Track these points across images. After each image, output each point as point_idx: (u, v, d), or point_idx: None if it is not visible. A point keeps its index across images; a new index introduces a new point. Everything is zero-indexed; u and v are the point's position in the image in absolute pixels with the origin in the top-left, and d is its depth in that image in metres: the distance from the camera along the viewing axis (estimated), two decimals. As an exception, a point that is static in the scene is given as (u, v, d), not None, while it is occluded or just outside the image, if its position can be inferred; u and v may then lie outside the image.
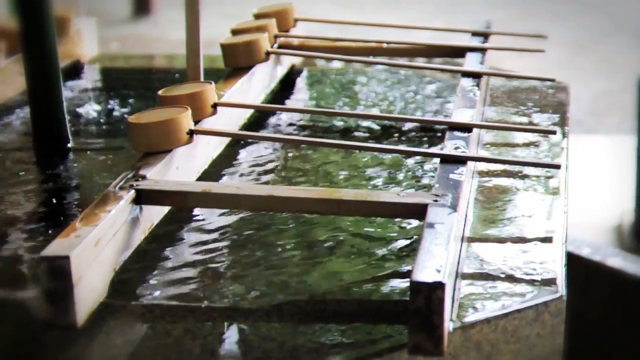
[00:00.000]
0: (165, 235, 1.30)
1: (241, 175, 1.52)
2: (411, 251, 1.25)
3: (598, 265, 2.17)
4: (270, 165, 1.56)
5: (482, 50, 1.86)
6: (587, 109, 4.46)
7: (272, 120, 1.76)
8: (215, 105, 1.49)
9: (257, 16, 1.93)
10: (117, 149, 1.64)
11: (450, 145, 1.39)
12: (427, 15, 6.33)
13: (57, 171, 1.56)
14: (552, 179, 1.48)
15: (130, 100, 1.90)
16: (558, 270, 1.22)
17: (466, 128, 1.46)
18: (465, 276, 1.20)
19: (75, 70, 2.06)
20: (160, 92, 1.48)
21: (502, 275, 1.21)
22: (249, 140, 1.64)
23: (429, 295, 1.00)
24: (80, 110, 1.84)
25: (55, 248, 1.07)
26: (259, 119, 1.75)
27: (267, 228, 1.33)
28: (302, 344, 1.07)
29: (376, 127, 1.70)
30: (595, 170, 3.52)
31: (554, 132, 1.57)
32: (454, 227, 1.13)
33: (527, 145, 1.61)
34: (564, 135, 1.65)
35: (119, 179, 1.26)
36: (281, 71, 1.94)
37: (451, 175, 1.28)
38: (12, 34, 1.74)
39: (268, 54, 1.75)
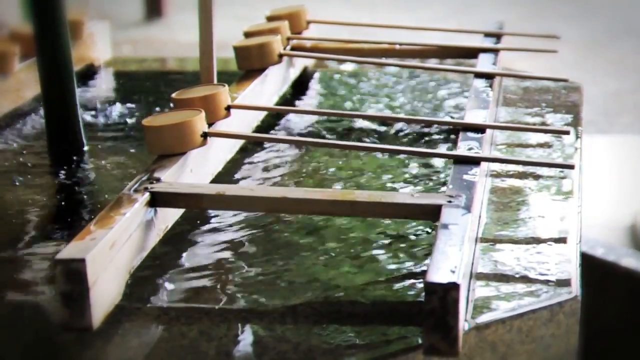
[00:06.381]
0: (179, 237, 1.30)
1: (255, 177, 1.53)
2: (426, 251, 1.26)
3: (612, 266, 2.16)
4: (284, 167, 1.57)
5: (495, 51, 1.86)
6: (599, 110, 4.45)
7: (286, 122, 1.76)
8: (228, 108, 1.50)
9: (270, 18, 1.93)
10: (132, 152, 1.64)
11: (464, 146, 1.39)
12: (439, 16, 6.32)
13: (71, 174, 1.56)
14: (565, 179, 1.48)
15: (144, 103, 1.90)
16: (573, 270, 1.22)
17: (479, 129, 1.46)
18: (479, 277, 1.20)
19: (88, 74, 2.06)
20: (173, 95, 1.49)
21: (517, 276, 1.21)
22: (263, 142, 1.65)
23: (444, 296, 1.00)
24: (94, 113, 1.85)
25: (70, 251, 1.07)
26: (272, 121, 1.75)
27: (281, 230, 1.34)
28: (317, 345, 1.08)
29: (389, 128, 1.70)
30: (608, 170, 3.51)
31: (567, 133, 1.57)
32: (468, 228, 1.13)
33: (540, 145, 1.61)
34: (577, 135, 1.65)
35: (134, 182, 1.26)
36: (294, 73, 1.94)
37: (465, 176, 1.28)
38: (26, 38, 1.75)
39: (281, 56, 1.76)
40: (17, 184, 1.52)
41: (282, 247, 1.29)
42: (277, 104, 1.81)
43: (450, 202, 1.19)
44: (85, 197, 1.50)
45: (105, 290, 1.10)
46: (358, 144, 1.60)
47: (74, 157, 1.61)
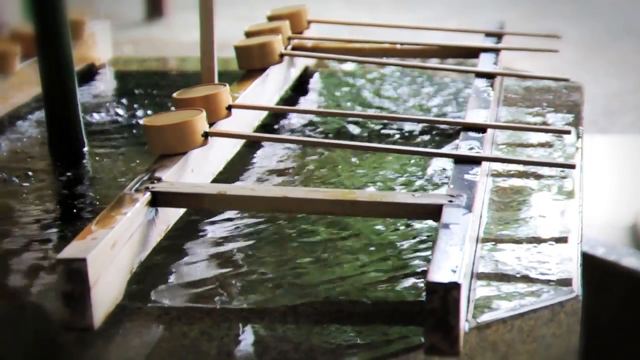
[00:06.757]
0: (180, 237, 1.30)
1: (256, 176, 1.53)
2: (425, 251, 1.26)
3: (613, 265, 2.16)
4: (284, 167, 1.57)
5: (496, 51, 1.86)
6: (600, 109, 4.45)
7: (286, 121, 1.76)
8: (229, 108, 1.50)
9: (271, 18, 1.93)
10: (133, 152, 1.64)
11: (465, 146, 1.39)
12: (439, 16, 6.32)
13: (72, 174, 1.56)
14: (566, 179, 1.48)
15: (145, 103, 1.90)
16: (574, 270, 1.22)
17: (480, 128, 1.46)
18: (480, 276, 1.20)
19: (89, 74, 2.07)
20: (175, 95, 1.49)
21: (518, 276, 1.21)
22: (264, 142, 1.65)
23: (445, 296, 1.00)
24: (95, 113, 1.85)
25: (71, 250, 1.08)
26: (273, 121, 1.75)
27: (282, 229, 1.34)
28: (318, 345, 1.07)
29: (390, 128, 1.70)
30: (609, 170, 3.51)
31: (568, 132, 1.57)
32: (469, 228, 1.13)
33: (541, 145, 1.61)
34: (579, 135, 1.65)
35: (135, 182, 1.26)
36: (295, 73, 1.94)
37: (466, 176, 1.28)
38: (27, 37, 1.75)
39: (282, 55, 1.76)
40: (18, 183, 1.52)
41: (284, 246, 1.29)
42: (278, 103, 1.81)
43: (451, 201, 1.19)
44: (86, 196, 1.50)
45: (107, 289, 1.10)
46: (359, 144, 1.60)
47: (75, 157, 1.62)
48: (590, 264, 2.08)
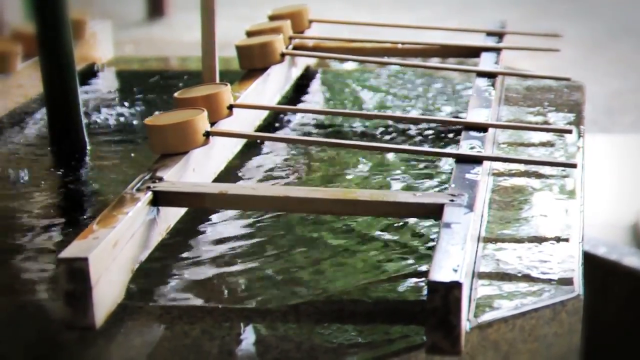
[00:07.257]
0: (182, 236, 1.30)
1: (257, 176, 1.53)
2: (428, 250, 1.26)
3: (614, 265, 2.16)
4: (285, 166, 1.57)
5: (497, 50, 1.86)
6: (600, 109, 4.45)
7: (288, 121, 1.76)
8: (231, 107, 1.50)
9: (272, 18, 1.93)
10: (134, 151, 1.64)
11: (466, 145, 1.39)
12: (440, 16, 6.32)
13: (74, 174, 1.56)
14: (568, 178, 1.48)
15: (146, 103, 1.90)
16: (575, 269, 1.22)
17: (482, 128, 1.46)
18: (482, 276, 1.20)
19: (91, 73, 2.07)
20: (176, 94, 1.49)
21: (519, 275, 1.21)
22: (265, 141, 1.65)
23: (446, 295, 1.00)
24: (96, 113, 1.85)
25: (73, 250, 1.07)
26: (274, 120, 1.75)
27: (283, 229, 1.34)
28: (320, 344, 1.08)
29: (391, 127, 1.70)
30: (610, 169, 3.51)
31: (569, 131, 1.57)
32: (470, 227, 1.13)
33: (543, 144, 1.61)
34: (580, 134, 1.65)
35: (136, 181, 1.26)
36: (296, 72, 1.94)
37: (467, 175, 1.28)
38: (29, 37, 1.75)
39: (283, 55, 1.76)
40: (19, 183, 1.53)
41: (285, 246, 1.29)
42: (279, 103, 1.81)
43: (452, 201, 1.19)
44: (87, 196, 1.50)
45: (108, 289, 1.10)
46: (360, 143, 1.60)
47: (76, 157, 1.62)
48: (592, 263, 2.08)
